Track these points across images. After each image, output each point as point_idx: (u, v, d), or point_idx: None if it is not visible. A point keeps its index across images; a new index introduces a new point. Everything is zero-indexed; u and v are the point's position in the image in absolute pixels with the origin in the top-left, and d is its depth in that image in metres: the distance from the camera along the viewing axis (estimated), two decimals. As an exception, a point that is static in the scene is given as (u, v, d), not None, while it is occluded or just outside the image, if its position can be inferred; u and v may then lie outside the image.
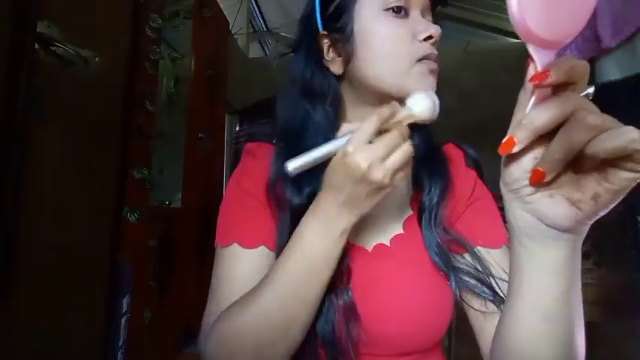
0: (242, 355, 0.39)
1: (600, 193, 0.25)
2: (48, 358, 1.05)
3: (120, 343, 1.33)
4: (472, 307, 0.46)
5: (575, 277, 0.30)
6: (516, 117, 0.28)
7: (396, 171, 0.38)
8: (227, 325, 0.41)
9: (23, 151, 0.93)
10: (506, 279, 0.40)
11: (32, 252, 0.98)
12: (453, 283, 0.46)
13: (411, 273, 0.47)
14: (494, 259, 0.47)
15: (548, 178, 0.26)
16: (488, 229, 0.49)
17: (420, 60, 0.46)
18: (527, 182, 0.28)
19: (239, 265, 0.47)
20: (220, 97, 2.65)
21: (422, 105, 0.39)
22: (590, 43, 1.16)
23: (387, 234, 0.49)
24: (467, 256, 0.49)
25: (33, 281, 0.99)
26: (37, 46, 0.97)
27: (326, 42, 0.51)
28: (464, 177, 0.54)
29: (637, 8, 0.94)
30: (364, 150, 0.36)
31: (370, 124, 0.37)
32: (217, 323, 0.42)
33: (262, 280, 0.41)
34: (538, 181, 0.26)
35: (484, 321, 0.45)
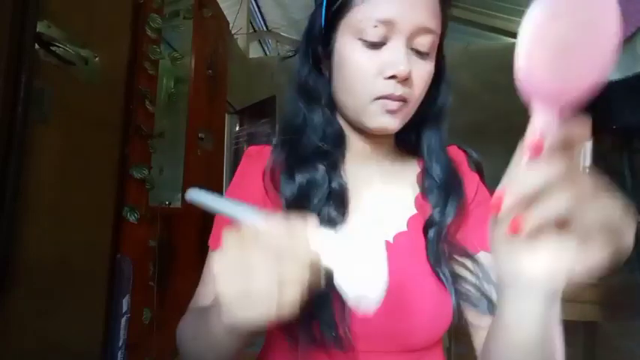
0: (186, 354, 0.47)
1: (579, 260, 0.26)
2: (48, 358, 1.05)
3: (120, 343, 1.33)
4: (468, 314, 0.47)
5: (553, 326, 0.31)
6: (510, 171, 0.28)
7: None
8: (179, 329, 0.49)
9: (23, 151, 0.93)
10: None
11: (32, 252, 0.98)
12: (453, 298, 0.46)
13: (413, 270, 0.47)
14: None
15: (522, 232, 0.27)
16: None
17: (378, 98, 0.45)
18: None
19: None
20: (220, 97, 2.66)
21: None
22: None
23: (390, 231, 0.49)
24: (468, 262, 0.49)
25: (33, 281, 0.99)
26: (37, 46, 0.97)
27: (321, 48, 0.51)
28: (467, 180, 0.53)
29: (637, 8, 0.94)
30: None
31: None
32: (180, 322, 0.50)
33: (200, 314, 0.45)
34: (514, 231, 0.27)
35: (479, 326, 0.46)
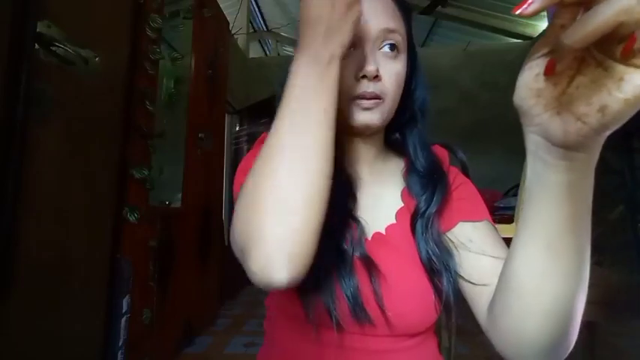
0: (262, 196, 0.37)
1: (609, 104, 0.25)
2: (48, 358, 1.05)
3: (120, 343, 1.33)
4: (467, 281, 0.49)
5: (582, 206, 0.30)
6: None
7: None
8: (244, 188, 0.39)
9: (23, 151, 0.93)
10: (490, 254, 0.47)
11: (32, 252, 0.98)
12: (445, 282, 0.48)
13: (405, 258, 0.51)
14: (478, 231, 0.51)
15: (560, 68, 0.27)
16: (469, 207, 0.53)
17: (354, 98, 0.49)
18: (533, 101, 0.28)
19: None
20: (220, 97, 2.66)
21: None
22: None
23: (382, 224, 0.54)
24: (450, 234, 0.52)
25: (33, 281, 0.99)
26: (37, 46, 0.97)
27: None
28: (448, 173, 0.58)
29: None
30: None
31: None
32: (235, 207, 0.40)
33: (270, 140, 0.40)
34: (550, 70, 0.27)
35: (476, 291, 0.48)
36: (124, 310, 1.35)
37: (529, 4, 0.25)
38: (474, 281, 0.47)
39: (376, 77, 0.49)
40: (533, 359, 0.37)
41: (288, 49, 6.43)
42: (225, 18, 2.80)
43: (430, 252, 0.49)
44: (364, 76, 0.49)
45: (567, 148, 0.28)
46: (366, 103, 0.49)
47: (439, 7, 4.21)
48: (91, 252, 1.24)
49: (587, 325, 1.42)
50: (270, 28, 5.86)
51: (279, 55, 6.30)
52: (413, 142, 0.58)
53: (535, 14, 0.25)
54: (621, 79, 0.24)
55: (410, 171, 0.57)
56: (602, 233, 1.12)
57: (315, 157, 0.38)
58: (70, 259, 1.13)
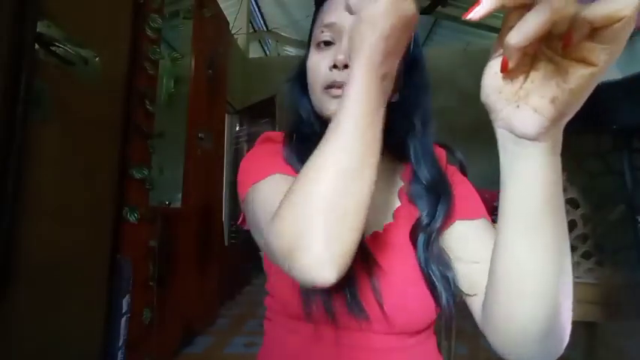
0: (313, 213, 0.36)
1: (557, 95, 0.28)
2: (48, 357, 1.05)
3: (120, 343, 1.33)
4: (463, 292, 0.49)
5: (552, 194, 0.32)
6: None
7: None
8: (288, 199, 0.37)
9: (23, 151, 0.93)
10: (485, 253, 0.45)
11: (32, 252, 0.98)
12: (443, 296, 0.48)
13: (403, 256, 0.51)
14: (475, 230, 0.51)
15: (511, 65, 0.29)
16: (467, 205, 0.53)
17: (326, 88, 0.51)
18: (495, 97, 0.31)
19: (287, 184, 0.44)
20: (220, 97, 2.66)
21: None
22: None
23: (380, 223, 0.54)
24: (448, 234, 0.52)
25: (33, 281, 0.99)
26: (37, 46, 0.97)
27: None
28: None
29: (637, 8, 0.94)
30: None
31: None
32: (278, 209, 0.38)
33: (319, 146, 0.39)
34: (504, 68, 0.30)
35: (473, 297, 0.48)
36: (124, 310, 1.35)
37: (475, 12, 0.29)
38: (467, 291, 0.47)
39: (346, 67, 0.49)
40: (525, 351, 0.37)
41: (288, 50, 6.44)
42: (225, 18, 2.81)
43: (431, 272, 0.48)
44: (335, 66, 0.50)
45: (529, 138, 0.30)
46: (335, 91, 0.50)
47: (439, 7, 4.21)
48: (91, 252, 1.24)
49: (587, 325, 1.42)
50: (270, 28, 5.87)
51: (279, 55, 6.30)
52: (415, 149, 0.56)
53: (482, 18, 0.29)
54: (566, 72, 0.27)
55: (412, 180, 0.55)
56: (602, 233, 1.12)
57: (369, 166, 0.37)
58: (70, 259, 1.13)
